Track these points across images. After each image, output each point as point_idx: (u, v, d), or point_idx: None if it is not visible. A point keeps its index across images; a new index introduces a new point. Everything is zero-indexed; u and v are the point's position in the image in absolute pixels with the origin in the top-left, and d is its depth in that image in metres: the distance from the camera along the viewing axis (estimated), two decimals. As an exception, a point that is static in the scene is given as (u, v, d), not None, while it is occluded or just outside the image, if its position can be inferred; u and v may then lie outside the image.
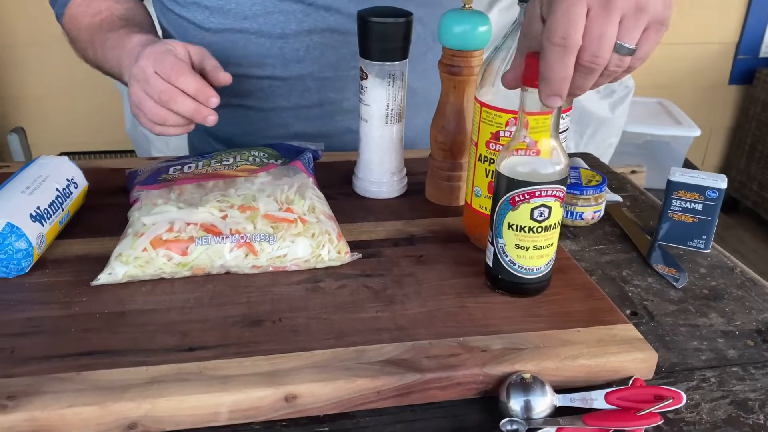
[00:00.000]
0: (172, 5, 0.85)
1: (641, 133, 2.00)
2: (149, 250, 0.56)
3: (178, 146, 1.78)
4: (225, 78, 0.67)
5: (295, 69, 0.84)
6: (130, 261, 0.56)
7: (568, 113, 0.60)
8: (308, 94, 0.86)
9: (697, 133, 2.04)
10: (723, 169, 2.65)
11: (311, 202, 0.63)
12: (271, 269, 0.59)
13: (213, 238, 0.57)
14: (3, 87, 2.17)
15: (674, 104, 2.21)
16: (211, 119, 0.65)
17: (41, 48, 2.11)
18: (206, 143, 0.96)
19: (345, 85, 0.85)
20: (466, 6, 0.66)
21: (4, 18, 2.06)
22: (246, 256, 0.58)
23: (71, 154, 2.43)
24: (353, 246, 0.63)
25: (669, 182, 0.70)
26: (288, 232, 0.59)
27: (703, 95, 2.48)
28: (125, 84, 0.75)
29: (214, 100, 0.64)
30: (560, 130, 0.57)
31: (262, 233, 0.59)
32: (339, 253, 0.61)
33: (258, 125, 0.88)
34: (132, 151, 2.21)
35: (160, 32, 0.89)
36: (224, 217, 0.59)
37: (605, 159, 1.85)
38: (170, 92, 0.63)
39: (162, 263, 0.57)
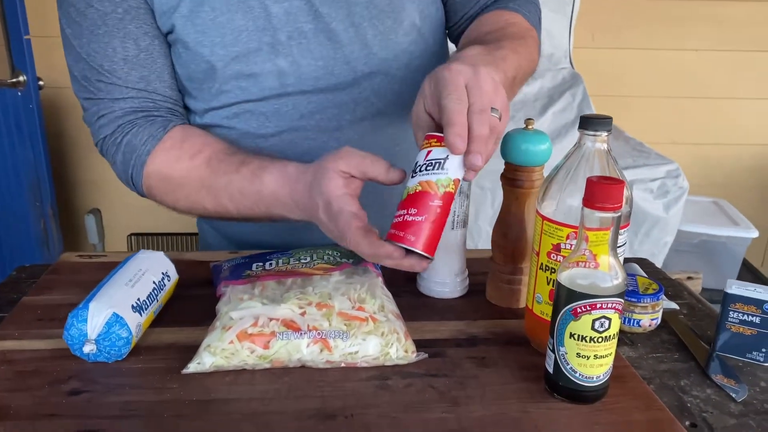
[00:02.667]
0: (218, 119, 0.83)
1: (697, 233, 2.00)
2: (235, 342, 0.62)
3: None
4: (395, 176, 0.66)
5: None
6: (218, 352, 0.62)
7: (625, 229, 0.64)
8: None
9: (755, 234, 2.02)
10: (784, 270, 2.58)
11: (381, 301, 0.68)
12: (343, 365, 0.64)
13: (292, 334, 0.62)
14: (83, 171, 2.34)
15: (730, 204, 2.21)
16: (419, 267, 0.63)
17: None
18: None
19: (393, 162, 0.85)
20: (529, 126, 0.72)
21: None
22: (321, 351, 0.63)
23: (140, 235, 2.53)
24: (418, 345, 0.67)
25: (726, 294, 0.72)
26: (360, 330, 0.64)
27: (761, 196, 2.47)
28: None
29: (389, 262, 0.62)
30: (618, 245, 0.61)
31: (336, 330, 0.63)
32: (406, 351, 0.65)
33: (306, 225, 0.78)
34: (196, 234, 2.33)
35: None
36: (303, 314, 0.64)
37: (660, 258, 1.85)
38: (377, 258, 0.63)
39: (246, 355, 0.62)
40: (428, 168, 0.62)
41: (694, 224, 2.00)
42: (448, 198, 0.62)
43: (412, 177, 0.64)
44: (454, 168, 0.62)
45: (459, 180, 0.63)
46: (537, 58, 0.87)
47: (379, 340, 0.64)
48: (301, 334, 0.63)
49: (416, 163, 0.64)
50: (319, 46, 0.81)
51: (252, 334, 0.62)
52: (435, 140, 0.63)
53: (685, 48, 2.29)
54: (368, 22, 0.82)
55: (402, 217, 0.62)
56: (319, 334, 0.63)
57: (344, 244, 0.66)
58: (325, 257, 0.76)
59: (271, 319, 0.63)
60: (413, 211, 0.62)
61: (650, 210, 1.80)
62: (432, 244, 0.62)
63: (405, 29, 0.84)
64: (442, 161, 0.62)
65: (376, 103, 0.86)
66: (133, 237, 2.40)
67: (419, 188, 0.62)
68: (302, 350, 0.62)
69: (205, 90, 0.82)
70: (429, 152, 0.63)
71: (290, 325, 0.63)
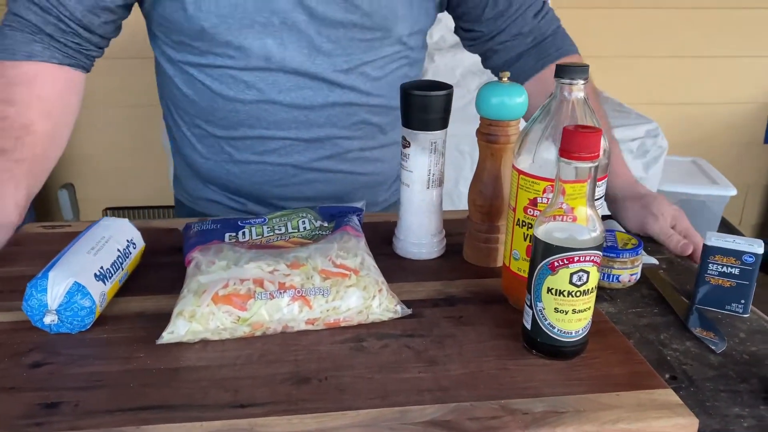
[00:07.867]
0: (202, 76, 0.90)
1: (676, 192, 2.00)
2: (211, 306, 0.59)
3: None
4: None
5: (315, 132, 0.93)
6: (194, 318, 0.59)
7: (603, 181, 0.63)
8: (323, 149, 0.95)
9: (733, 192, 2.03)
10: (761, 227, 2.62)
11: (361, 257, 0.66)
12: (323, 324, 0.62)
13: (271, 293, 0.60)
14: (55, 145, 2.28)
15: (709, 163, 2.22)
16: None
17: (92, 110, 2.24)
18: (206, 193, 1.04)
19: (352, 142, 0.97)
20: (504, 79, 0.70)
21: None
22: (301, 310, 0.61)
23: (115, 209, 2.49)
24: (395, 306, 0.65)
25: (705, 246, 0.71)
26: (342, 285, 0.62)
27: (739, 154, 2.48)
28: None
29: None
30: (595, 198, 0.59)
31: (317, 287, 0.61)
32: (389, 304, 0.63)
33: (271, 177, 0.97)
34: (173, 207, 2.28)
35: (161, 96, 0.96)
36: (272, 272, 0.62)
37: (640, 218, 1.85)
38: None
39: (223, 319, 0.59)
40: None
41: (673, 184, 2.00)
42: None
43: None
44: None
45: None
46: None
47: (361, 293, 0.62)
48: (280, 292, 0.60)
49: None
50: (307, 39, 0.87)
51: (227, 295, 0.60)
52: None
53: (662, 6, 2.27)
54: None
55: None
56: (298, 291, 0.61)
57: None
58: (300, 225, 0.73)
59: (242, 280, 0.61)
60: None
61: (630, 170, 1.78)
62: None
63: (390, 42, 0.91)
64: None
65: (349, 94, 0.92)
66: (108, 211, 2.35)
67: None
68: (282, 309, 0.60)
69: (194, 47, 0.88)
70: None
71: (264, 285, 0.61)
